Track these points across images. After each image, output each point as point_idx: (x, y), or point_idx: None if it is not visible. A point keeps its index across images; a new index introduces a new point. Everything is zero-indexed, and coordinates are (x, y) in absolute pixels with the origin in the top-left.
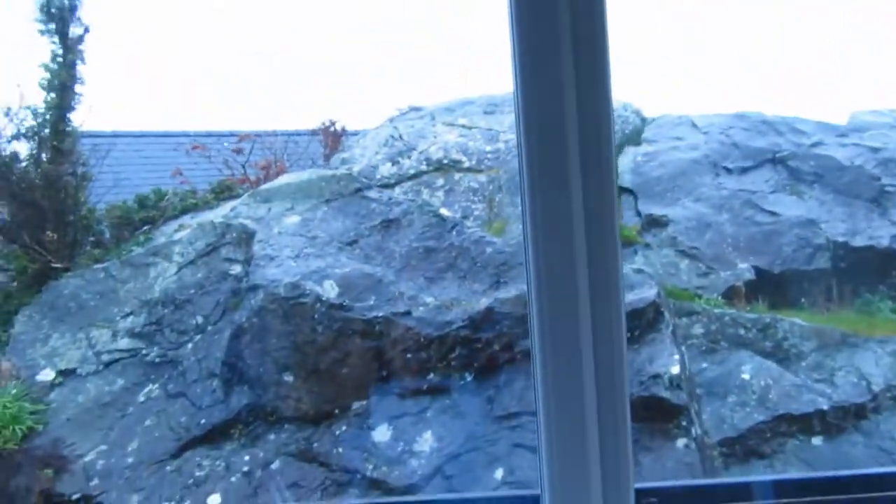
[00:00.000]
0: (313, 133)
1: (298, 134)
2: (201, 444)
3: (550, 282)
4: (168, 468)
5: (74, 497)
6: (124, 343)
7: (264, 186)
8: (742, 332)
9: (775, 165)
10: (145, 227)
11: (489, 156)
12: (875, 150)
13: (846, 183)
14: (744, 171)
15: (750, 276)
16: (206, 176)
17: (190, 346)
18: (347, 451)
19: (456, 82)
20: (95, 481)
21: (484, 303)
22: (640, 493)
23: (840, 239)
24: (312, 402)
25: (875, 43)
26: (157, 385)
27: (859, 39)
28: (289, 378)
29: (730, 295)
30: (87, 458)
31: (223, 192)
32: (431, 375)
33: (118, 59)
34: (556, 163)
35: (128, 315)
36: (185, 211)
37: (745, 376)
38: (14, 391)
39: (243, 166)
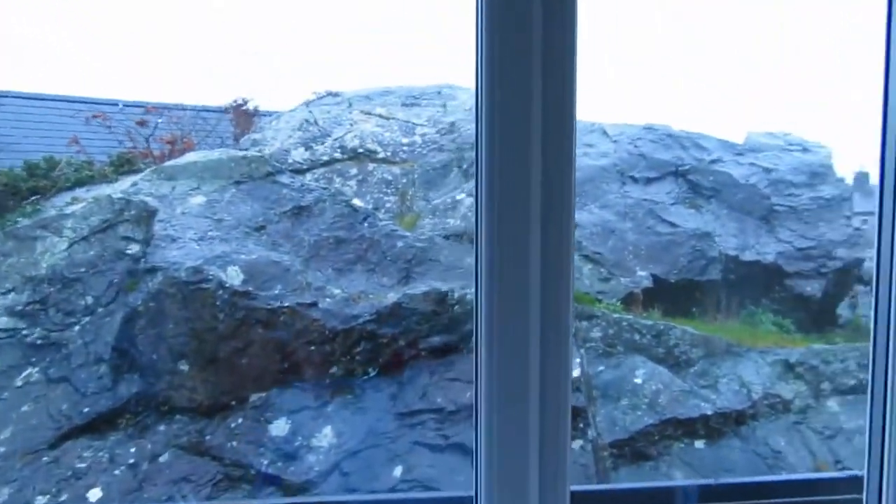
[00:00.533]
0: (224, 111)
1: (208, 110)
2: (83, 434)
3: (503, 283)
4: (45, 459)
5: None
6: (2, 322)
7: (169, 163)
8: (637, 337)
9: (677, 178)
10: (34, 198)
11: (405, 148)
12: (767, 170)
13: (740, 200)
14: (648, 181)
15: (648, 283)
16: (105, 147)
17: (77, 328)
18: (242, 445)
19: (376, 70)
20: None
21: (392, 298)
22: (575, 496)
23: (731, 252)
24: (208, 393)
25: (771, 66)
26: (37, 369)
27: (758, 62)
28: (184, 367)
29: (628, 301)
30: None
31: (123, 166)
32: (335, 369)
33: (15, 11)
34: (518, 165)
35: (8, 291)
36: (79, 183)
37: (638, 380)
38: None
39: (147, 139)
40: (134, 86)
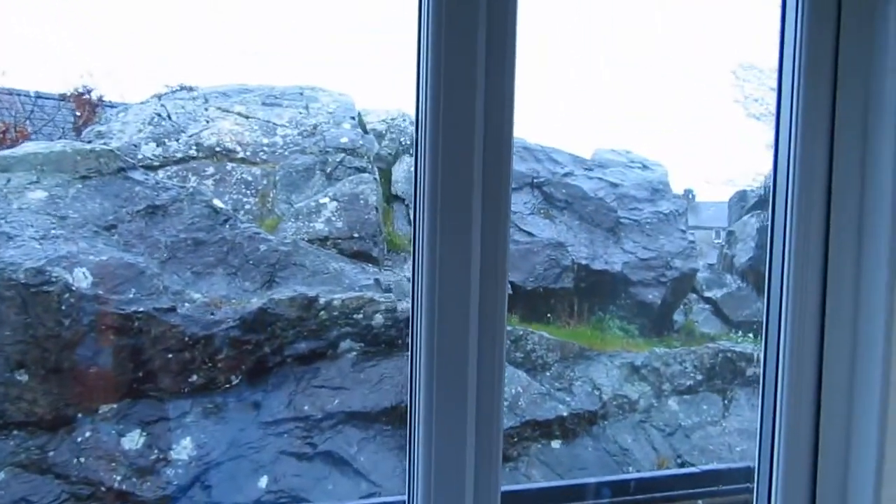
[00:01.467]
0: (62, 98)
1: (44, 97)
2: None
3: (443, 288)
4: None
5: None
6: None
7: (2, 153)
8: None
9: (533, 189)
10: None
11: (265, 148)
12: (614, 185)
13: (590, 212)
14: None
15: (508, 290)
16: None
17: None
18: (90, 462)
19: (232, 66)
20: None
21: (256, 303)
22: (505, 496)
23: (583, 262)
24: (51, 405)
25: (618, 87)
26: None
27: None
28: (22, 377)
29: None
30: None
31: None
32: (194, 378)
33: None
34: (460, 172)
35: None
36: None
37: (503, 384)
38: None
39: None
40: None
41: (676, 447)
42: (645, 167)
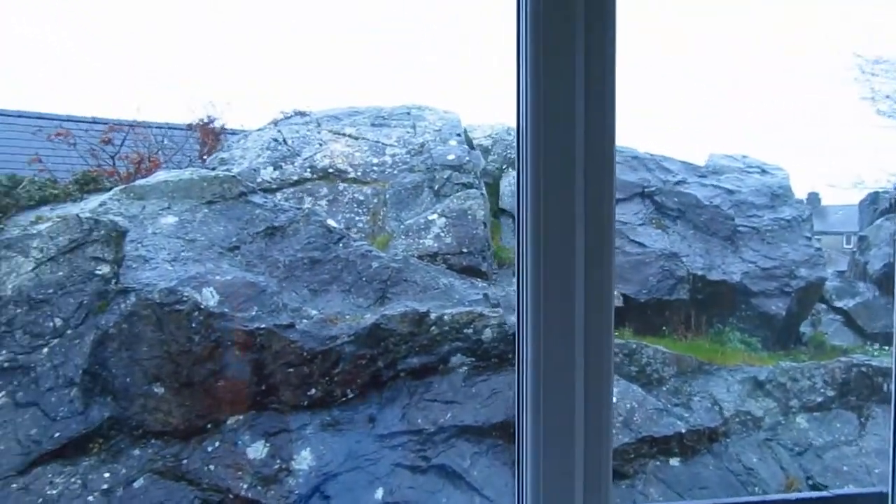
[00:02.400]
0: (189, 128)
1: (173, 128)
2: (54, 460)
3: (548, 302)
4: (14, 485)
5: None
6: None
7: (138, 182)
8: None
9: (644, 199)
10: None
11: (375, 168)
12: (730, 191)
13: (705, 220)
14: (616, 202)
15: (619, 303)
16: (67, 165)
17: (45, 350)
18: (220, 469)
19: (342, 91)
20: None
21: (369, 318)
22: None
23: (699, 272)
24: (183, 417)
25: (729, 90)
26: (3, 393)
27: (718, 85)
28: (159, 389)
29: None
30: None
31: (88, 185)
32: (313, 391)
33: None
34: (562, 186)
35: None
36: (43, 201)
37: (612, 399)
38: None
39: (112, 158)
40: (97, 103)
41: (807, 468)
42: (764, 171)
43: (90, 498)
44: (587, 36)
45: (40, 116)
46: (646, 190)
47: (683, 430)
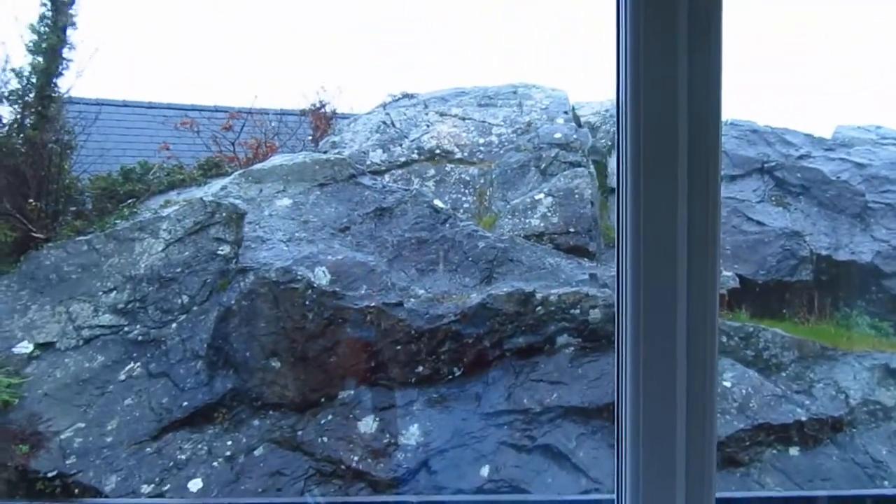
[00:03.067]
0: (303, 114)
1: (287, 114)
2: (183, 427)
3: (648, 283)
4: (148, 450)
5: (50, 475)
6: (106, 319)
7: (256, 166)
8: (724, 339)
9: (763, 175)
10: (130, 201)
11: (482, 148)
12: (860, 165)
13: (831, 197)
14: (732, 178)
15: (734, 284)
16: (192, 151)
17: (174, 325)
18: (332, 441)
19: (449, 72)
20: (72, 459)
21: (475, 298)
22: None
23: (823, 252)
24: (298, 390)
25: (860, 57)
26: (138, 364)
27: (846, 53)
28: (275, 364)
29: None
30: (63, 436)
31: (211, 170)
32: (420, 369)
33: (108, 24)
34: (664, 163)
35: (111, 290)
36: (171, 186)
37: (727, 384)
38: None
39: (232, 144)
40: (217, 92)
41: None
42: None
43: (215, 463)
44: (690, 6)
45: (168, 107)
46: (765, 165)
47: (804, 419)
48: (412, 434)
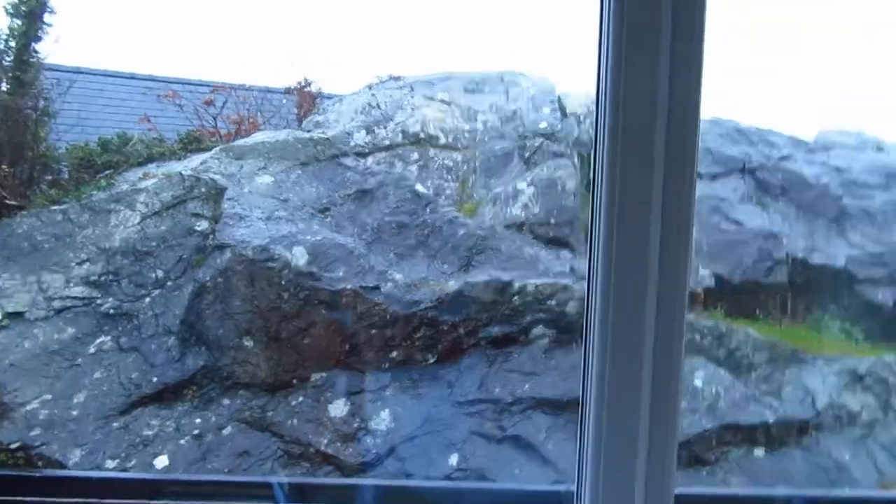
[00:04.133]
0: (287, 91)
1: (272, 91)
2: (152, 403)
3: (619, 277)
4: (115, 424)
5: (13, 446)
6: (78, 290)
7: (237, 142)
8: (698, 338)
9: (744, 175)
10: (107, 172)
11: (466, 134)
12: (840, 170)
13: (810, 200)
14: (714, 177)
15: (710, 282)
16: (173, 125)
17: (147, 300)
18: (302, 424)
19: (436, 56)
20: (37, 431)
21: (453, 285)
22: (679, 500)
23: (800, 255)
24: (270, 370)
25: (846, 60)
26: (109, 337)
27: (831, 56)
28: (248, 343)
29: (689, 300)
30: (28, 407)
31: (191, 144)
32: (394, 354)
33: None
34: (640, 158)
35: (84, 261)
36: (150, 159)
37: (698, 383)
38: None
39: (214, 119)
40: (202, 65)
41: None
42: (880, 149)
43: (182, 441)
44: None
45: (151, 78)
46: (747, 165)
47: (771, 420)
48: (383, 419)
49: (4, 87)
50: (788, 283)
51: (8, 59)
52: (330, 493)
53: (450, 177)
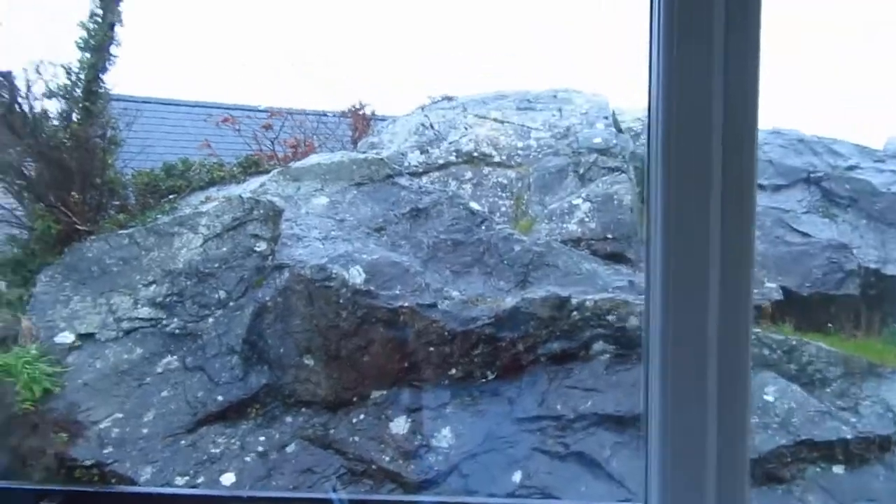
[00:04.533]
0: (342, 115)
1: (327, 115)
2: (217, 421)
3: (678, 291)
4: (183, 442)
5: (87, 463)
6: (145, 312)
7: (294, 165)
8: (767, 352)
9: (809, 186)
10: (171, 196)
11: (520, 152)
12: None
13: (881, 209)
14: (777, 188)
15: (778, 296)
16: (233, 149)
17: (211, 320)
18: (364, 441)
19: (488, 76)
20: (109, 449)
21: (510, 302)
22: None
23: (872, 265)
24: (331, 388)
25: None
26: (175, 357)
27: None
28: (309, 361)
29: (757, 314)
30: (101, 425)
31: (250, 167)
32: (453, 371)
33: (153, 23)
34: (697, 171)
35: (150, 284)
36: (211, 183)
37: (769, 398)
38: (34, 351)
39: (272, 143)
40: (259, 92)
41: None
42: None
43: (247, 458)
44: (728, 9)
45: (210, 105)
46: (812, 175)
47: (850, 437)
48: (444, 436)
49: (74, 117)
50: (861, 295)
51: (78, 90)
52: None
53: (504, 194)
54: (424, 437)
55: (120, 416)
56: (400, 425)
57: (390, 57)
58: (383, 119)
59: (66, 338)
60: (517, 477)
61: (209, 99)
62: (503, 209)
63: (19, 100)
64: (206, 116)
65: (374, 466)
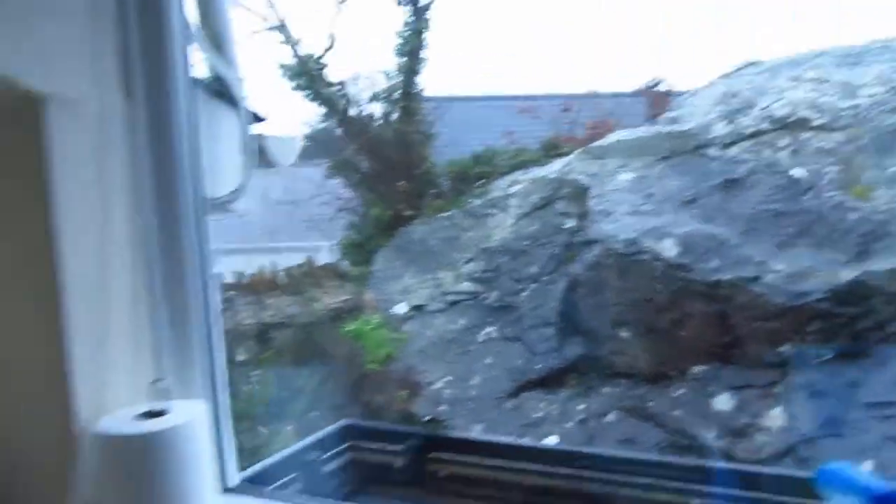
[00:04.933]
0: (635, 95)
1: (619, 96)
2: (537, 388)
3: None
4: (507, 405)
5: (426, 418)
6: (466, 286)
7: (595, 144)
8: None
9: None
10: (481, 181)
11: (845, 112)
12: None
13: None
14: None
15: None
16: (533, 136)
17: (525, 293)
18: (685, 416)
19: (799, 35)
20: (444, 407)
21: (847, 275)
22: None
23: None
24: (648, 361)
25: None
26: (495, 328)
27: None
28: (625, 334)
29: None
30: (435, 386)
31: (552, 150)
32: (782, 348)
33: (452, 25)
34: None
35: (469, 260)
36: (515, 167)
37: None
38: (377, 320)
39: (570, 125)
40: (556, 81)
41: None
42: None
43: (568, 424)
44: None
45: (509, 98)
46: None
47: None
48: (775, 417)
49: (394, 116)
50: None
51: (397, 92)
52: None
53: (828, 160)
54: (753, 416)
55: (451, 378)
56: (724, 402)
57: (683, 30)
58: (680, 94)
59: (402, 308)
60: (869, 466)
61: (508, 92)
62: (829, 176)
63: (350, 105)
64: (505, 108)
65: (698, 442)
